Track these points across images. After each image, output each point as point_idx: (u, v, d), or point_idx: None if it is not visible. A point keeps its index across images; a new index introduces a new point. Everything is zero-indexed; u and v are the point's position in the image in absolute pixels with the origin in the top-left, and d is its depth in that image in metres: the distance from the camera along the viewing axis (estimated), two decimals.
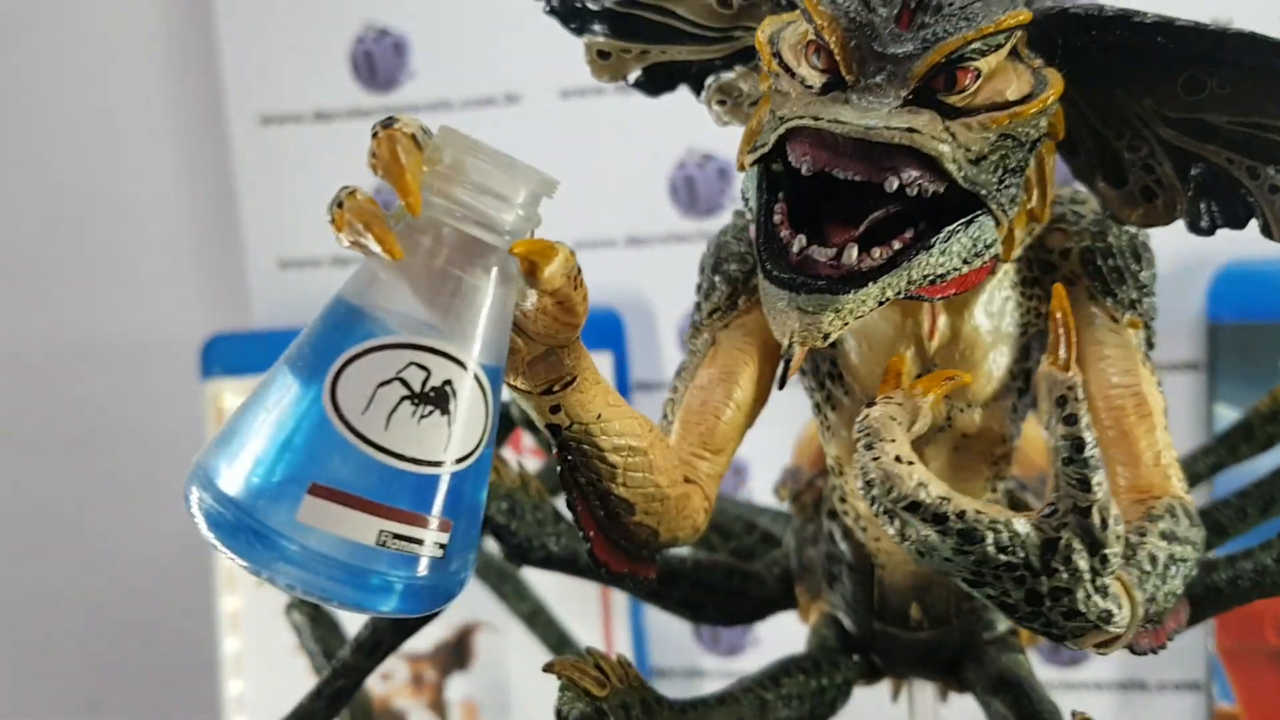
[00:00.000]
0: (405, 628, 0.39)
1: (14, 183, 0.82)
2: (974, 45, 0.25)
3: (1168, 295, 0.64)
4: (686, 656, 0.75)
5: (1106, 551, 0.23)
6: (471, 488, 0.23)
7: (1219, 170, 0.29)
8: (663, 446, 0.31)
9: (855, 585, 0.39)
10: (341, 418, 0.21)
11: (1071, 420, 0.23)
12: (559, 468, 0.30)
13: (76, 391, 0.83)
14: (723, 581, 0.45)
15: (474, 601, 0.66)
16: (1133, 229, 0.33)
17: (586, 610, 0.72)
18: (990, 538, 0.23)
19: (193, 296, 0.80)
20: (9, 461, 0.85)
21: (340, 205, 0.22)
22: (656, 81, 0.35)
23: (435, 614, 0.39)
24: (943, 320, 0.32)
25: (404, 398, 0.21)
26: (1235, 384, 0.62)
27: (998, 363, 0.33)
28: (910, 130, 0.24)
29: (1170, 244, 0.63)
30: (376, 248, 0.22)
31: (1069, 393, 0.23)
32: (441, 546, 0.22)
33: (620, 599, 0.72)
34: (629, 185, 0.72)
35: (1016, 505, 0.42)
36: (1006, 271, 0.32)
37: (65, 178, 0.81)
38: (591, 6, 0.33)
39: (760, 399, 0.35)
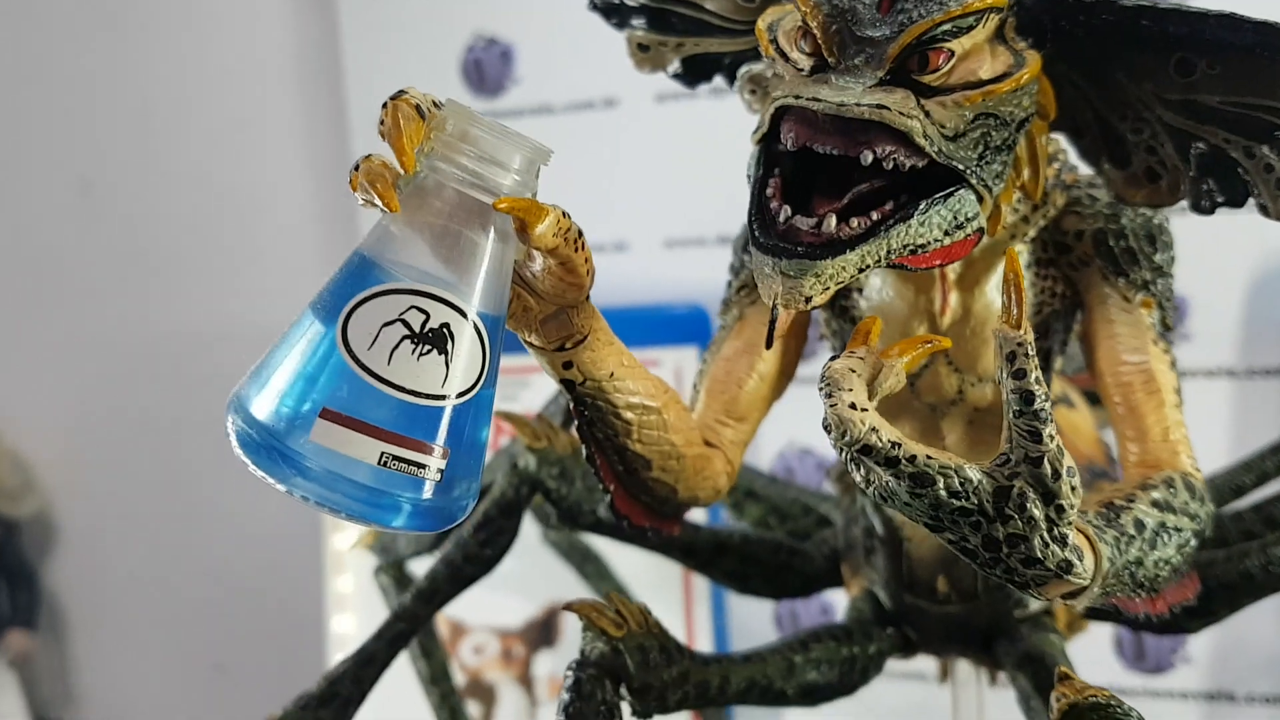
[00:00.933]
0: (460, 578, 0.42)
1: (159, 187, 0.90)
2: (944, 27, 0.26)
3: (1262, 301, 0.63)
4: None
5: (1061, 501, 0.24)
6: (471, 422, 0.25)
7: (1218, 150, 0.29)
8: (678, 408, 0.33)
9: (887, 559, 0.40)
10: (350, 352, 0.24)
11: (1020, 374, 0.24)
12: (576, 422, 0.32)
13: (208, 378, 0.90)
14: (770, 556, 0.47)
15: (561, 582, 0.70)
16: (1149, 212, 0.33)
17: (669, 595, 0.74)
18: (941, 482, 0.24)
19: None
20: (145, 444, 0.93)
21: (357, 168, 0.25)
22: (694, 72, 0.37)
23: (485, 569, 0.42)
24: (954, 298, 0.33)
25: (404, 337, 0.24)
26: None
27: None
28: (879, 107, 0.26)
29: (1263, 250, 0.62)
30: (379, 203, 0.25)
31: (1019, 349, 0.24)
32: (441, 472, 0.25)
33: (702, 584, 0.74)
34: (720, 186, 0.74)
35: None
36: (1021, 252, 0.34)
37: (207, 180, 0.88)
38: (630, 3, 0.36)
39: (785, 371, 0.37)
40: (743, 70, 0.36)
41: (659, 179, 0.75)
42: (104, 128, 0.90)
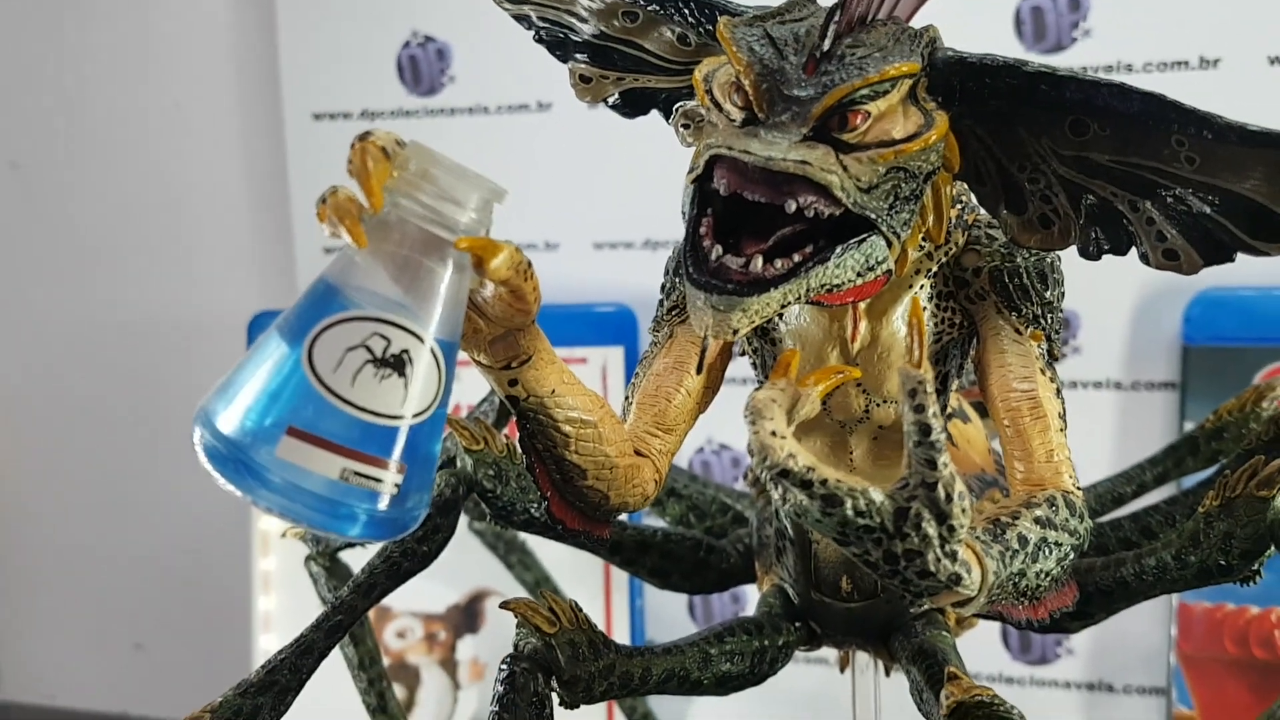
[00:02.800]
0: (398, 573, 0.44)
1: (92, 171, 0.89)
2: (863, 91, 0.29)
3: (1147, 319, 0.68)
4: (680, 631, 0.79)
5: (952, 521, 0.28)
6: (425, 439, 0.28)
7: (1106, 202, 0.32)
8: (612, 422, 0.36)
9: (796, 559, 0.44)
10: (315, 374, 0.26)
11: (920, 409, 0.27)
12: (518, 435, 0.35)
13: (138, 362, 0.90)
14: (689, 554, 0.50)
15: (485, 570, 0.72)
16: (1043, 253, 0.37)
17: (590, 583, 0.77)
18: (849, 503, 0.27)
19: (246, 277, 0.86)
20: (74, 425, 0.93)
21: (324, 201, 0.27)
22: (632, 104, 0.39)
23: (422, 565, 0.44)
24: (864, 326, 0.36)
25: (367, 361, 0.26)
26: (1204, 403, 0.65)
27: None
28: (803, 162, 0.29)
29: (1151, 271, 0.67)
30: (347, 238, 0.27)
31: (919, 386, 0.27)
32: (397, 486, 0.27)
33: (620, 573, 0.77)
34: (648, 192, 0.77)
35: None
36: (924, 286, 0.37)
37: (137, 167, 0.88)
38: (574, 38, 0.38)
39: (712, 387, 0.40)
40: (678, 106, 0.38)
41: (589, 183, 0.77)
42: (34, 112, 0.89)
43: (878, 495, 0.28)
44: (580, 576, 0.75)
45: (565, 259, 0.79)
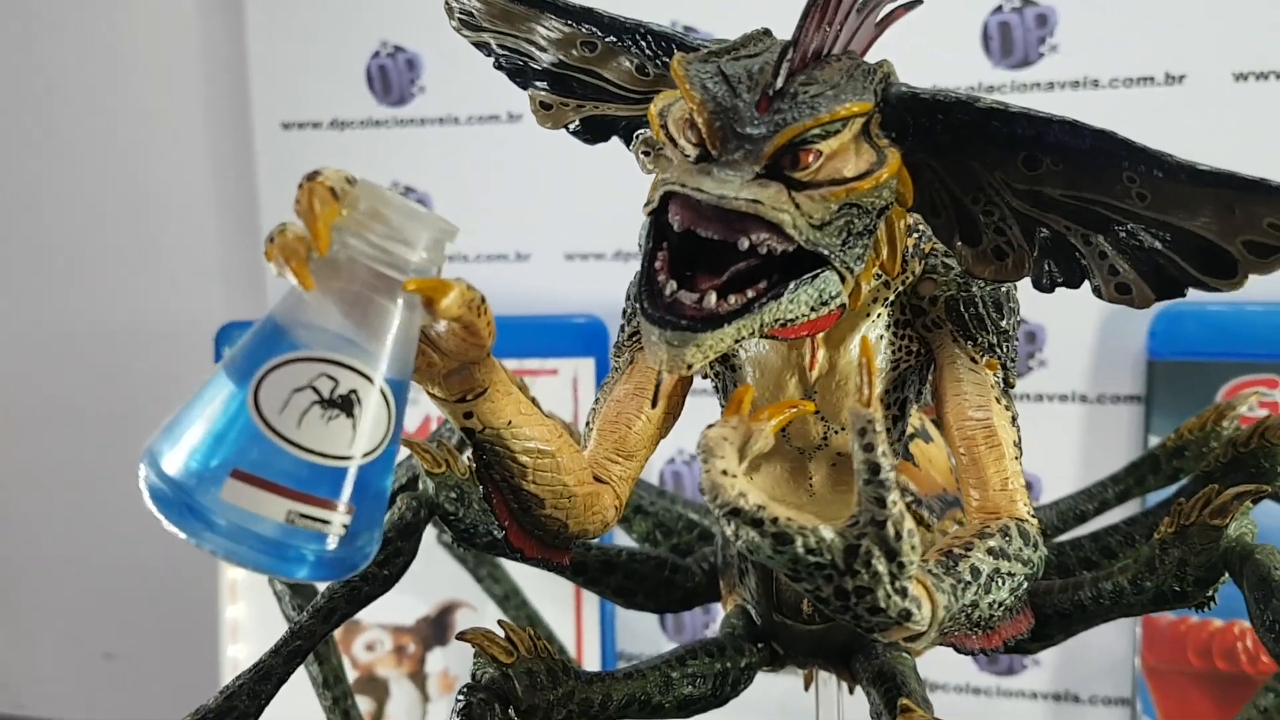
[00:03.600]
0: (358, 598, 0.44)
1: (58, 176, 0.88)
2: (814, 131, 0.29)
3: (1112, 333, 0.69)
4: (651, 644, 0.80)
5: (902, 559, 0.28)
6: (376, 477, 0.28)
7: (1059, 236, 0.32)
8: (571, 450, 0.36)
9: (759, 580, 0.44)
10: (261, 416, 0.26)
11: (869, 448, 0.27)
12: (475, 465, 0.35)
13: (106, 371, 0.89)
14: (654, 573, 0.50)
15: (454, 582, 0.72)
16: (999, 284, 0.37)
17: (559, 595, 0.76)
18: (799, 540, 0.27)
19: (215, 286, 0.86)
20: (41, 433, 0.92)
21: (271, 240, 0.27)
22: (592, 130, 0.39)
23: (383, 589, 0.44)
24: (822, 354, 0.37)
25: (314, 402, 0.26)
26: (1168, 417, 0.66)
27: None
28: (755, 201, 0.29)
29: None
30: (293, 279, 0.27)
31: (868, 425, 0.27)
32: (346, 526, 0.27)
33: None
34: (618, 204, 0.77)
35: (913, 519, 0.46)
36: (881, 314, 0.37)
37: (107, 175, 0.87)
38: (533, 66, 0.38)
39: (672, 412, 0.40)
40: (638, 133, 0.38)
41: (560, 194, 0.77)
42: (2, 119, 0.88)
43: (828, 533, 0.28)
44: (550, 589, 0.74)
45: (536, 270, 0.79)
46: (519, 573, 0.68)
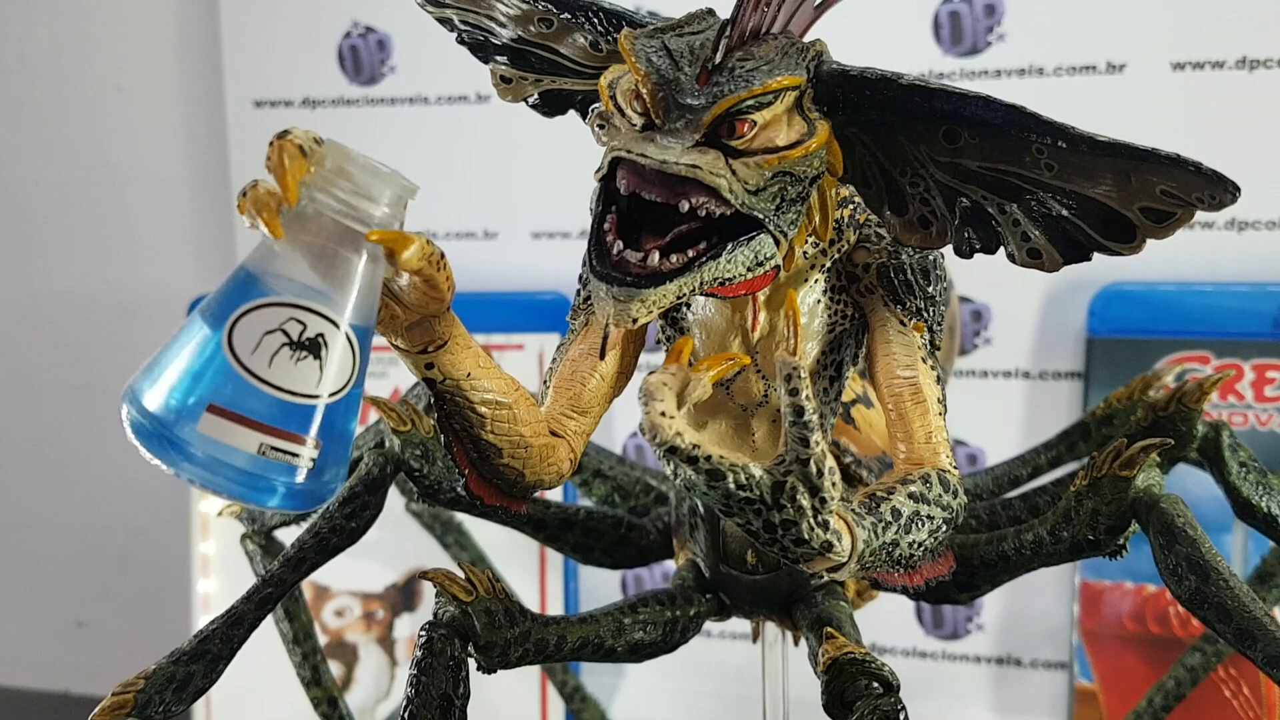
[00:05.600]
0: (326, 548, 0.46)
1: (35, 149, 0.90)
2: (748, 102, 0.32)
3: (1054, 312, 0.72)
4: None
5: (823, 494, 0.30)
6: (341, 417, 0.30)
7: (977, 205, 0.35)
8: (527, 404, 0.38)
9: (706, 534, 0.46)
10: (235, 356, 0.28)
11: (794, 392, 0.30)
12: (436, 416, 0.37)
13: (80, 342, 0.91)
14: (610, 531, 0.52)
15: (422, 550, 0.74)
16: (926, 251, 0.39)
17: (525, 563, 0.79)
18: (731, 477, 0.30)
19: (186, 260, 0.87)
20: (13, 402, 0.93)
21: (244, 194, 0.29)
22: (551, 105, 0.42)
23: (350, 540, 0.46)
24: (763, 317, 0.39)
25: (284, 344, 0.28)
26: (1106, 392, 0.69)
27: (808, 353, 0.40)
28: (694, 166, 0.31)
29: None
30: (265, 229, 0.29)
31: (794, 371, 0.30)
32: (314, 460, 0.29)
33: (556, 556, 0.79)
34: (583, 183, 0.79)
35: (852, 479, 0.49)
36: (819, 280, 0.40)
37: (79, 147, 0.89)
38: (494, 41, 0.40)
39: (625, 372, 0.42)
40: (594, 107, 0.41)
41: (527, 173, 0.79)
42: None
43: (757, 470, 0.30)
44: (515, 556, 0.77)
45: (503, 248, 0.81)
46: (485, 540, 0.70)
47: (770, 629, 0.51)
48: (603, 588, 0.80)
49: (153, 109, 0.86)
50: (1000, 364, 0.72)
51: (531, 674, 0.76)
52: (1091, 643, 0.70)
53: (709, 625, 0.78)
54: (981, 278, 0.71)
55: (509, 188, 0.80)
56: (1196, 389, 0.48)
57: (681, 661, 0.78)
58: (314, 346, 0.29)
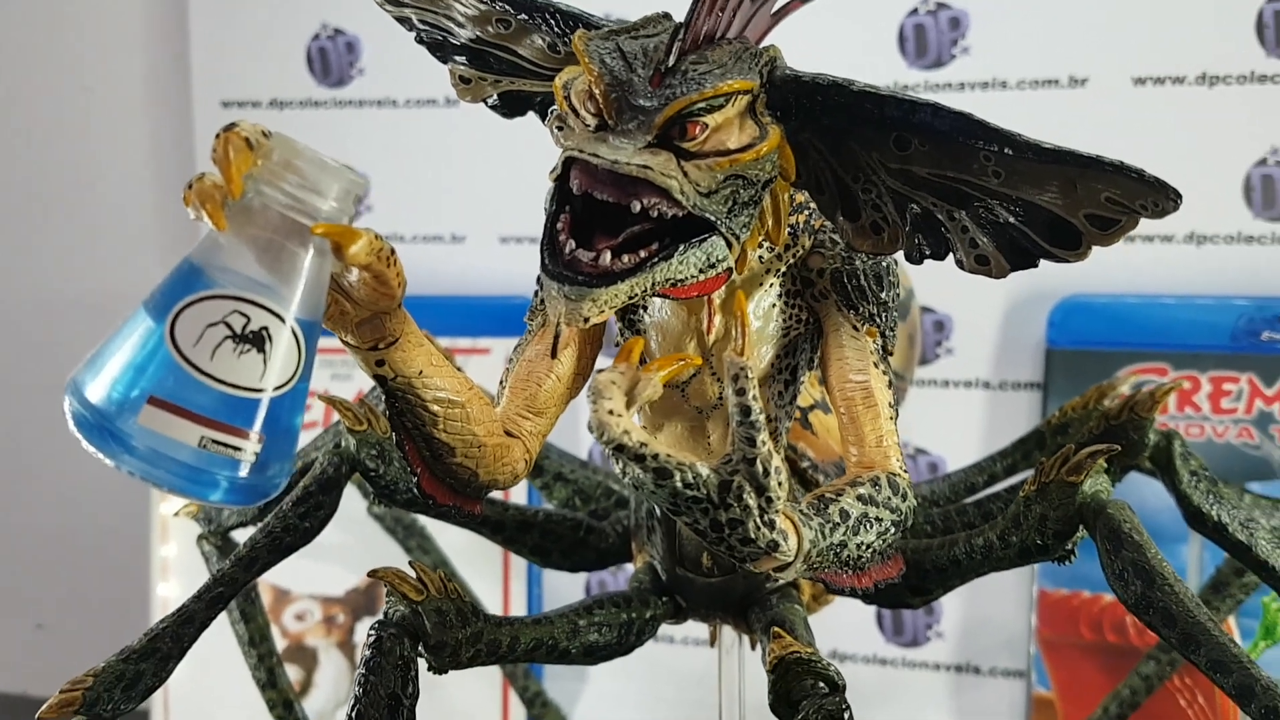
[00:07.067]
0: (279, 548, 0.46)
1: (0, 149, 0.89)
2: (699, 105, 0.32)
3: (1014, 323, 0.72)
4: None
5: (769, 493, 0.31)
6: (286, 412, 0.30)
7: (928, 212, 0.35)
8: (481, 403, 0.38)
9: (663, 536, 0.46)
10: (177, 348, 0.28)
11: (741, 393, 0.30)
12: (388, 413, 0.37)
13: (41, 341, 0.90)
14: (569, 533, 0.52)
15: (384, 554, 0.74)
16: (880, 257, 0.40)
17: (488, 568, 0.79)
18: (678, 475, 0.30)
19: (151, 261, 0.87)
20: None
21: (190, 186, 0.29)
22: (510, 105, 0.42)
23: (304, 540, 0.46)
24: (718, 320, 0.39)
25: (226, 337, 0.28)
26: (1065, 403, 0.69)
27: (762, 357, 0.40)
28: (645, 166, 0.32)
29: (1018, 279, 0.71)
30: (208, 221, 0.29)
31: (740, 372, 0.30)
32: (257, 454, 0.29)
33: (519, 561, 0.79)
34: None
35: (810, 484, 0.49)
36: (774, 285, 0.40)
37: (45, 147, 0.88)
38: (452, 41, 0.40)
39: (581, 373, 0.42)
40: (553, 109, 0.41)
41: (495, 177, 0.79)
42: None
43: (704, 469, 0.30)
44: (478, 562, 0.77)
45: (471, 252, 0.81)
46: (448, 545, 0.70)
47: (728, 634, 0.52)
48: (566, 592, 0.80)
49: (120, 109, 0.86)
50: (961, 374, 0.73)
51: (494, 680, 0.76)
52: (1049, 651, 0.71)
53: (672, 631, 0.79)
54: (944, 288, 0.72)
55: (477, 191, 0.80)
56: (1148, 398, 0.49)
57: (644, 667, 0.79)
58: (257, 340, 0.29)
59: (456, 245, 0.81)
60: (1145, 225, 0.71)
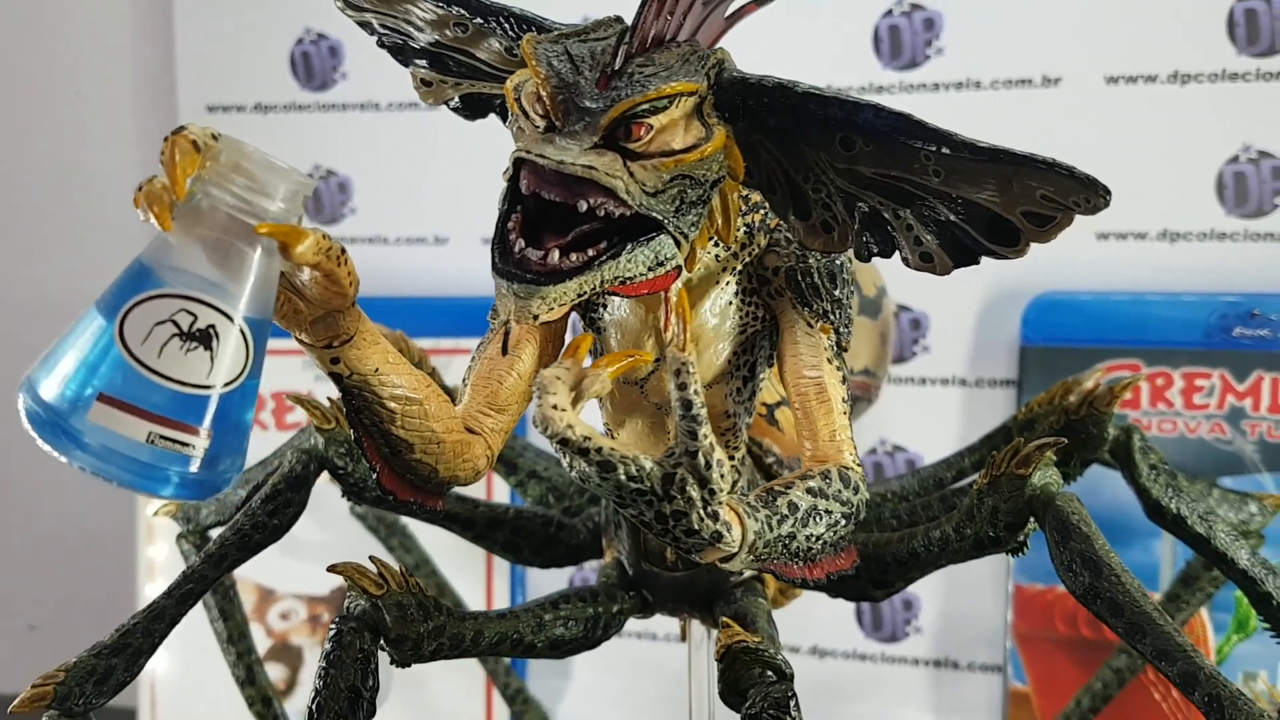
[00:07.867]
0: (248, 545, 0.46)
1: None
2: (644, 106, 0.33)
3: (989, 321, 0.73)
4: None
5: (712, 486, 0.31)
6: (235, 408, 0.31)
7: (874, 210, 0.36)
8: (439, 400, 0.39)
9: (628, 531, 0.47)
10: (126, 346, 0.29)
11: (683, 387, 0.31)
12: (345, 411, 0.38)
13: (28, 344, 0.91)
14: (539, 530, 0.53)
15: (366, 552, 0.74)
16: (834, 255, 0.40)
17: (471, 566, 0.79)
18: (622, 468, 0.31)
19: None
20: None
21: (140, 189, 0.30)
22: (471, 108, 0.43)
23: (273, 537, 0.47)
24: (675, 318, 0.40)
25: (174, 335, 0.29)
26: None
27: (720, 353, 0.41)
28: (590, 166, 0.32)
29: (991, 277, 0.71)
30: (156, 223, 0.30)
31: (682, 367, 0.31)
32: (206, 450, 0.30)
33: (502, 560, 0.79)
34: None
35: (772, 477, 0.50)
36: (730, 283, 0.41)
37: (30, 151, 0.89)
38: (413, 45, 0.41)
39: (540, 370, 0.43)
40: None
41: (477, 179, 0.80)
42: None
43: (647, 463, 0.31)
44: (460, 560, 0.77)
45: (453, 253, 0.82)
46: (430, 543, 0.70)
47: (697, 628, 0.52)
48: (551, 589, 0.81)
49: (106, 113, 0.87)
50: (937, 371, 0.73)
51: (477, 677, 0.77)
52: (1025, 646, 0.72)
53: (654, 628, 0.79)
54: (920, 286, 0.73)
55: (460, 193, 0.80)
56: (1107, 393, 0.49)
57: (626, 664, 0.79)
58: (204, 338, 0.29)
59: (440, 247, 0.82)
60: (1119, 222, 0.72)
